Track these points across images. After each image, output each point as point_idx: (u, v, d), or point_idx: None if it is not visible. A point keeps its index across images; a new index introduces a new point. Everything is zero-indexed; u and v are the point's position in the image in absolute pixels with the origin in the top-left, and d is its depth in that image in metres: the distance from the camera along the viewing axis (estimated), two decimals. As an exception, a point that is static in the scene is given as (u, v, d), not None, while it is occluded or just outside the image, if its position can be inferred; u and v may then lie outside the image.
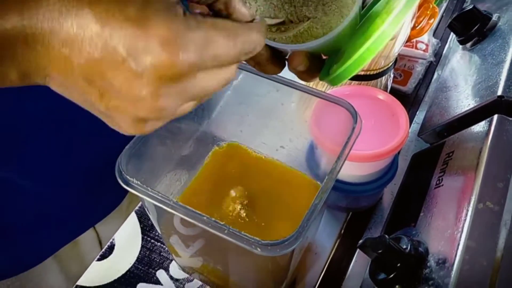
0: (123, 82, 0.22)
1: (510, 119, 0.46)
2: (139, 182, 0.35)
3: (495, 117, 0.46)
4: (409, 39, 0.57)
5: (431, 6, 0.54)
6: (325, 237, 0.53)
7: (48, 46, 0.22)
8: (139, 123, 0.25)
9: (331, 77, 0.34)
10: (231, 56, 0.25)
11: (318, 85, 0.57)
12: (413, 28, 0.55)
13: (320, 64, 0.36)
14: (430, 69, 0.71)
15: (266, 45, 0.35)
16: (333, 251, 0.52)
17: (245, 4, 0.28)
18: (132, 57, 0.22)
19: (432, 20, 0.54)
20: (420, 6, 0.55)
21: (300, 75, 0.36)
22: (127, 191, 0.36)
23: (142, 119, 0.25)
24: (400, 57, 0.68)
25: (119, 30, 0.21)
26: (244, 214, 0.45)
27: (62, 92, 0.25)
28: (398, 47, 0.52)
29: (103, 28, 0.21)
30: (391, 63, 0.54)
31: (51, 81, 0.24)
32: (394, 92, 0.67)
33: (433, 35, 0.75)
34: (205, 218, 0.32)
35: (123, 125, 0.25)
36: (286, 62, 0.36)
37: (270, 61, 0.35)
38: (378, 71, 0.54)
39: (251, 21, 0.29)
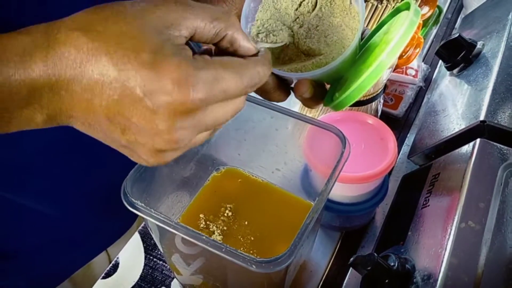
0: (142, 119, 0.25)
1: (492, 143, 0.48)
2: (143, 204, 0.37)
3: (478, 141, 0.48)
4: (397, 67, 0.60)
5: (416, 36, 0.57)
6: (319, 256, 0.55)
7: (72, 91, 0.25)
8: (158, 154, 0.28)
9: (334, 103, 0.37)
10: (239, 89, 0.28)
11: (312, 111, 0.60)
12: (400, 57, 0.58)
13: (323, 92, 0.39)
14: (420, 93, 0.73)
15: (273, 74, 0.37)
16: (327, 269, 0.54)
17: (249, 40, 0.30)
18: (148, 97, 0.24)
19: (418, 49, 0.57)
20: (406, 36, 0.58)
21: (305, 102, 0.38)
22: (137, 215, 0.38)
23: (160, 150, 0.27)
24: (391, 82, 0.71)
25: (135, 74, 0.24)
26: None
27: (86, 130, 0.27)
28: (386, 75, 0.55)
29: (120, 73, 0.24)
30: (380, 90, 0.56)
31: (75, 121, 0.27)
32: (385, 115, 0.69)
33: (423, 60, 0.78)
34: (204, 237, 0.34)
35: (143, 157, 0.28)
36: (291, 91, 0.38)
37: (276, 90, 0.37)
38: (368, 97, 0.56)
39: (256, 54, 0.31)
